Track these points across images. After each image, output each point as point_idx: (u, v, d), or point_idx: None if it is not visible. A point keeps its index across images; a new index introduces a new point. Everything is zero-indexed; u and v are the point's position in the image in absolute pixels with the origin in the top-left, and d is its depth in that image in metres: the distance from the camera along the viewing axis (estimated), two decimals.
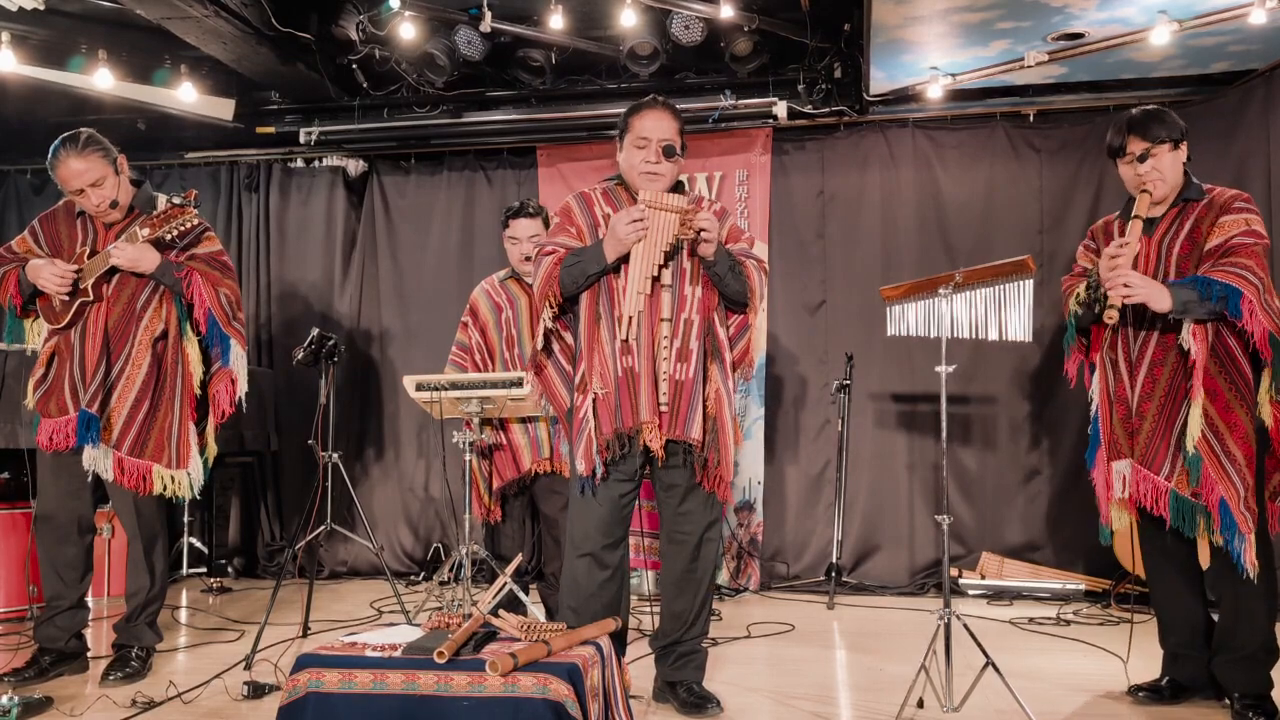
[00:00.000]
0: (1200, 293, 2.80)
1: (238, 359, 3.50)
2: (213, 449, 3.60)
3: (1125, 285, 2.82)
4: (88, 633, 3.58)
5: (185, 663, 3.72)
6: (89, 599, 3.56)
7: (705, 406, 2.95)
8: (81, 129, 3.36)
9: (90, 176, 3.30)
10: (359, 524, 4.64)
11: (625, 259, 2.91)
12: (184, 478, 3.42)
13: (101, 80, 5.00)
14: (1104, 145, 5.15)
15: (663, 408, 2.91)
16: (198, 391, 3.49)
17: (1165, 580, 3.11)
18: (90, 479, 3.38)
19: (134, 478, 3.35)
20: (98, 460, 3.32)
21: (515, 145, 5.62)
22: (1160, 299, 2.82)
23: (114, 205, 3.36)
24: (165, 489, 3.39)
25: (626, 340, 2.92)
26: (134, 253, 3.29)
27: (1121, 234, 3.01)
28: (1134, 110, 3.03)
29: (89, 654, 3.55)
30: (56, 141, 3.31)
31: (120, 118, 5.68)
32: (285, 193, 5.93)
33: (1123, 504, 3.01)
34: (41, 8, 4.37)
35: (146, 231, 3.28)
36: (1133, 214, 2.94)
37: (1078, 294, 3.07)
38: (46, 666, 3.35)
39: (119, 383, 3.36)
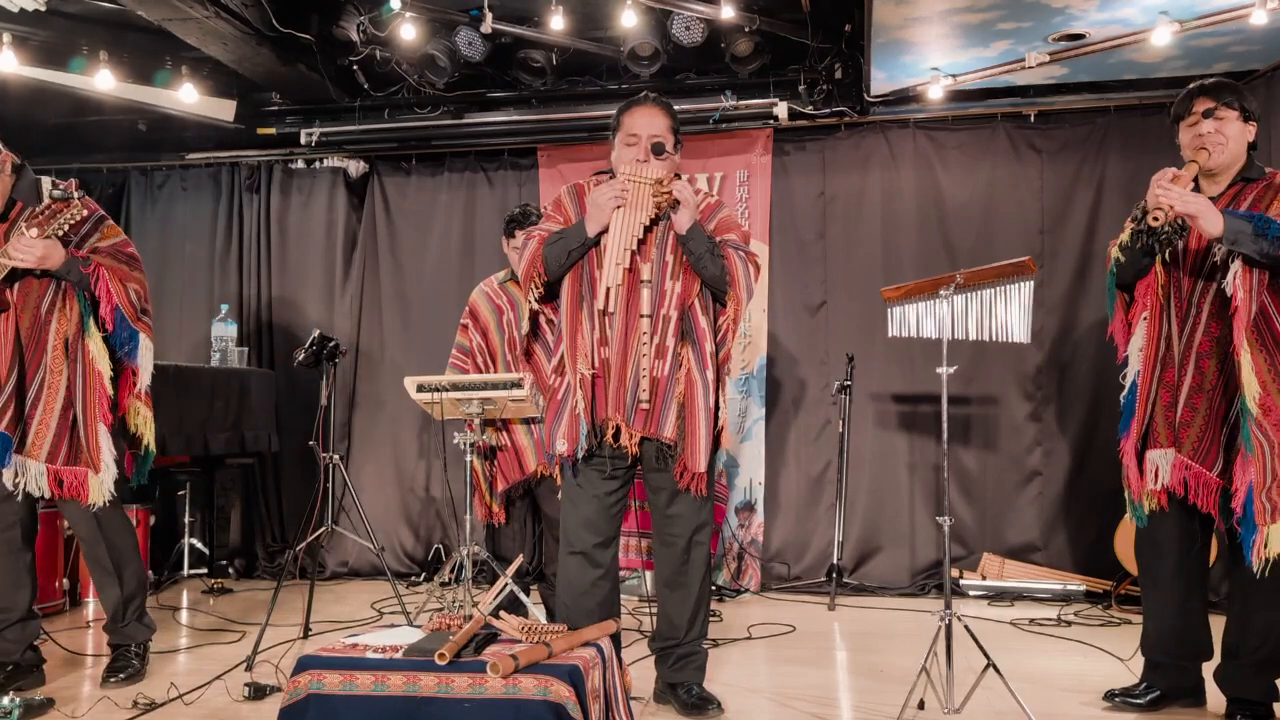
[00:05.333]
0: (1256, 226, 2.65)
1: (145, 352, 3.33)
2: (150, 438, 3.39)
3: (1180, 198, 2.64)
4: (40, 643, 3.40)
5: (186, 664, 3.72)
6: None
7: (678, 400, 2.94)
8: None
9: None
10: (360, 525, 4.64)
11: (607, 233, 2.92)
12: (97, 482, 3.21)
13: (102, 81, 5.00)
14: (1104, 146, 5.16)
15: (643, 404, 2.91)
16: (110, 391, 3.28)
17: (1164, 587, 3.02)
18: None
19: (74, 487, 3.19)
20: (28, 478, 3.15)
21: (516, 146, 5.62)
22: (1212, 219, 2.64)
23: None
24: (91, 497, 3.21)
25: (604, 332, 2.93)
26: (42, 249, 3.05)
27: None
28: (1207, 79, 2.93)
29: (45, 664, 3.41)
30: None
31: (121, 119, 5.69)
32: (286, 194, 5.92)
33: (1155, 494, 2.93)
34: (43, 9, 4.38)
35: (35, 231, 3.04)
36: (1190, 162, 2.79)
37: (1121, 239, 2.92)
38: (2, 681, 3.16)
39: (41, 393, 3.18)
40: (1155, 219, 2.67)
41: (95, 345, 3.26)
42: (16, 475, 3.16)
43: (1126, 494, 3.03)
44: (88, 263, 3.23)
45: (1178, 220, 2.72)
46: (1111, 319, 3.06)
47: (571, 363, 2.97)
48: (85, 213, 3.19)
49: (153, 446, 3.43)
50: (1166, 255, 2.90)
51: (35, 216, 3.11)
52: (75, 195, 3.15)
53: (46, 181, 3.29)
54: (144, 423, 3.40)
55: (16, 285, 3.20)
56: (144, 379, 3.37)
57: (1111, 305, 3.05)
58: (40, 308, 3.22)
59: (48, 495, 3.21)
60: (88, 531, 3.32)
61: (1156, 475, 2.92)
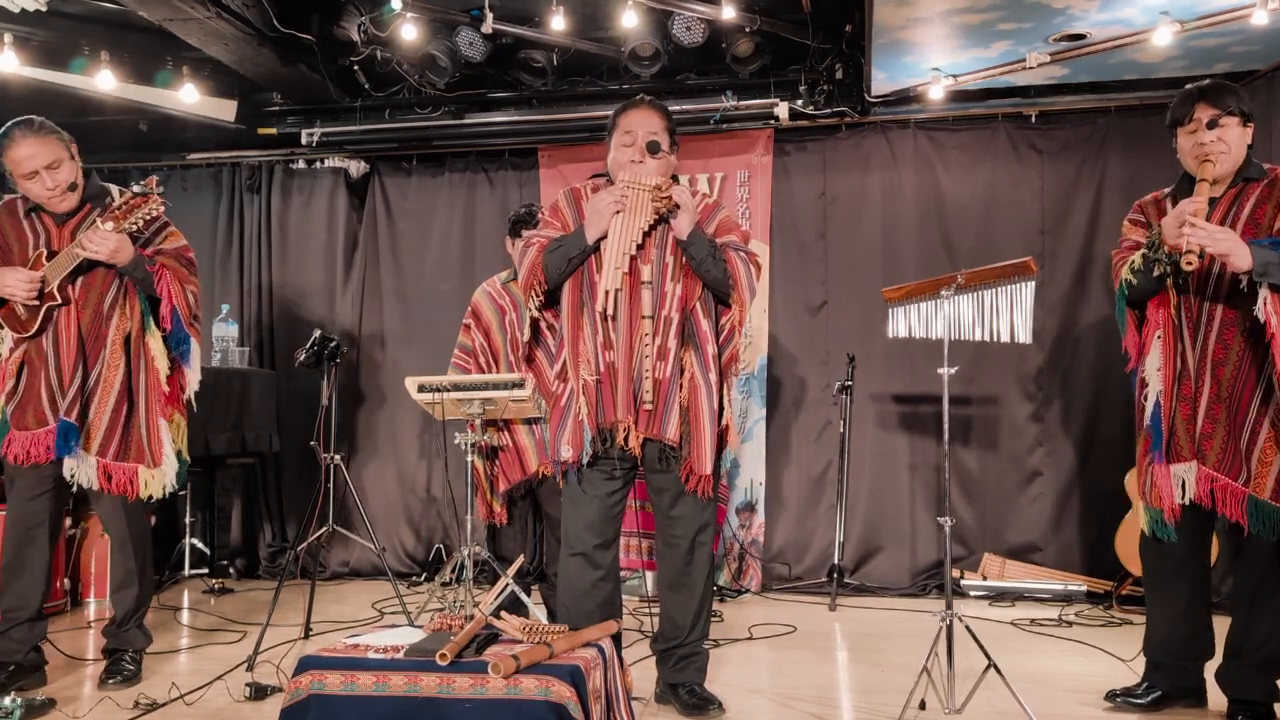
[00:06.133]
0: None
1: (195, 358, 3.43)
2: (183, 446, 3.45)
3: (1212, 239, 2.63)
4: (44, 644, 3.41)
5: (187, 664, 3.72)
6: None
7: (681, 403, 2.94)
8: (33, 116, 3.24)
9: (46, 158, 3.15)
10: (361, 525, 4.64)
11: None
12: (159, 476, 3.31)
13: (103, 82, 5.00)
14: (1104, 146, 5.15)
15: (646, 406, 2.91)
16: (165, 387, 3.37)
17: (1168, 588, 3.02)
18: (57, 481, 3.27)
19: (122, 483, 3.26)
20: (80, 471, 3.22)
21: (517, 146, 5.62)
22: (1242, 255, 2.63)
23: (73, 188, 3.22)
24: (147, 490, 3.29)
25: (607, 336, 2.93)
26: (115, 242, 3.12)
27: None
28: (1204, 81, 2.92)
29: (47, 665, 3.41)
30: (7, 125, 3.18)
31: (122, 119, 5.69)
32: (287, 194, 5.93)
33: (1176, 509, 2.90)
34: (44, 9, 4.38)
35: (110, 225, 3.11)
36: (1198, 179, 2.79)
37: (1133, 261, 2.90)
38: (3, 681, 3.17)
39: (98, 388, 3.26)
40: (1190, 263, 2.64)
41: (156, 344, 3.35)
42: (75, 466, 3.22)
43: (1150, 511, 2.97)
44: (152, 262, 3.30)
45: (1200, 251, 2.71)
46: (1124, 335, 3.03)
47: (574, 368, 2.97)
48: (160, 209, 3.24)
49: (185, 454, 3.48)
50: (1181, 280, 2.88)
51: (112, 210, 3.16)
52: (156, 191, 3.20)
53: (115, 189, 3.35)
54: (178, 431, 3.45)
55: (79, 281, 3.26)
56: (192, 385, 3.45)
57: (1123, 323, 3.02)
58: (102, 304, 3.29)
59: (96, 487, 3.25)
60: (118, 530, 3.37)
61: (1183, 489, 2.89)
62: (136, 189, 3.21)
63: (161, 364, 3.35)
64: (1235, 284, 2.79)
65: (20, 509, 3.29)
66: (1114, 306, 3.05)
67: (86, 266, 3.24)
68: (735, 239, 3.04)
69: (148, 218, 3.19)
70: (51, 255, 3.23)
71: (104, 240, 3.12)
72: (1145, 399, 2.97)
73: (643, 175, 2.93)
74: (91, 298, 3.27)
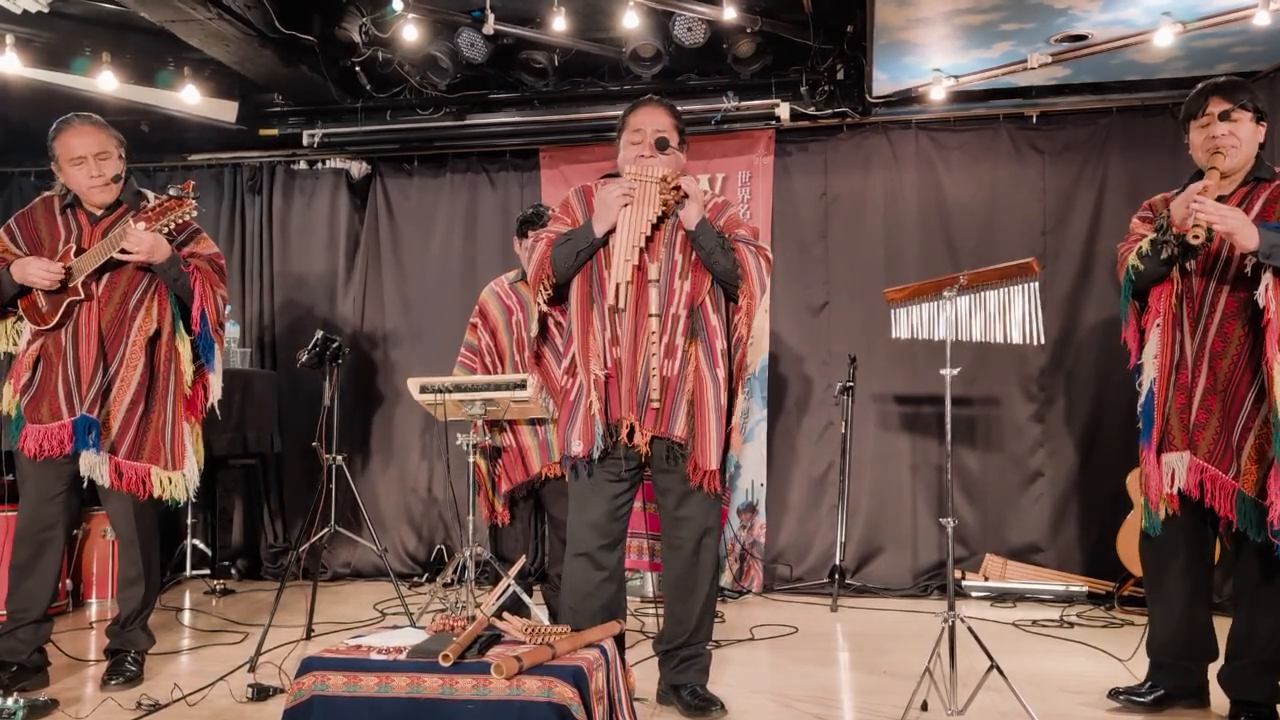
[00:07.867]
0: None
1: (219, 363, 3.48)
2: (199, 454, 3.50)
3: (1219, 215, 2.63)
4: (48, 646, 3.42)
5: (189, 664, 3.73)
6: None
7: (688, 397, 2.93)
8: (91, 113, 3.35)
9: (95, 147, 3.25)
10: (363, 526, 4.64)
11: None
12: (179, 479, 3.35)
13: (105, 83, 5.00)
14: (1106, 147, 5.15)
15: (653, 404, 2.91)
16: (188, 392, 3.42)
17: (1170, 589, 3.01)
18: (71, 483, 3.29)
19: (133, 481, 3.28)
20: (95, 466, 3.24)
21: (518, 147, 5.62)
22: (1248, 234, 2.64)
23: (117, 179, 3.30)
24: (163, 491, 3.32)
25: (615, 331, 2.93)
26: (151, 240, 3.16)
27: None
28: (1219, 78, 2.93)
29: (49, 667, 3.41)
30: (66, 115, 3.30)
31: (123, 120, 5.66)
32: (288, 195, 5.93)
33: (1170, 499, 2.91)
34: (45, 10, 4.38)
35: (142, 225, 3.16)
36: (1208, 169, 2.79)
37: (1140, 247, 2.90)
38: (6, 682, 3.15)
39: (114, 385, 3.28)
40: (1196, 237, 2.64)
41: (185, 349, 3.40)
42: (91, 461, 3.24)
43: (1144, 501, 2.99)
44: (187, 263, 3.35)
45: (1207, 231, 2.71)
46: (1125, 326, 3.04)
47: (584, 363, 2.96)
48: (194, 214, 3.27)
49: (200, 463, 3.50)
50: (1189, 265, 2.88)
51: (146, 212, 3.20)
52: (191, 195, 3.24)
53: (150, 194, 3.38)
54: (195, 438, 3.48)
55: (104, 278, 3.30)
56: (215, 392, 3.49)
57: (1126, 313, 3.03)
58: (127, 303, 3.32)
59: (108, 484, 3.27)
60: (127, 530, 3.39)
61: (1173, 479, 2.90)
62: (172, 190, 3.24)
63: (187, 369, 3.40)
64: (1240, 272, 2.79)
65: (36, 510, 3.29)
66: (1117, 306, 3.05)
67: (113, 265, 3.27)
68: (745, 233, 3.05)
69: (179, 220, 3.23)
70: (80, 252, 3.27)
71: (141, 239, 3.16)
72: (1140, 386, 2.98)
73: (651, 167, 2.92)
74: (115, 296, 3.30)
